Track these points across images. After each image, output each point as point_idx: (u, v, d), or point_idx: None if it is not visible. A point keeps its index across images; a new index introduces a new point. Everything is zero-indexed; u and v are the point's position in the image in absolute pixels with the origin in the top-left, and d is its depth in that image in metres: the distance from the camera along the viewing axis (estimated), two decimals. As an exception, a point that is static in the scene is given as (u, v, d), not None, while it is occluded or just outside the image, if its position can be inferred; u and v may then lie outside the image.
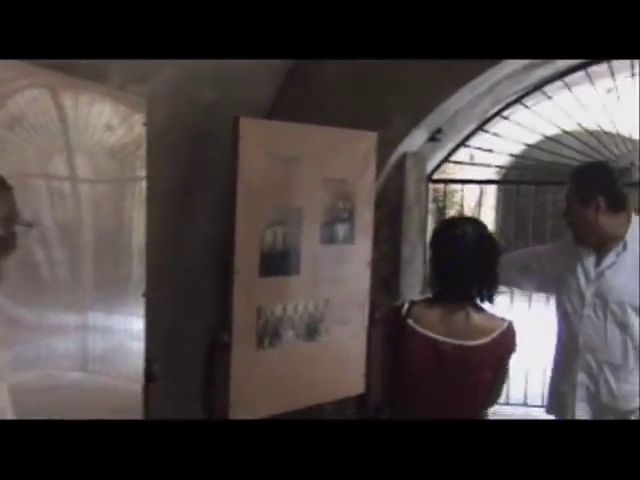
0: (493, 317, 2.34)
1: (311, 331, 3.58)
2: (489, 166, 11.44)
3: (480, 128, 4.97)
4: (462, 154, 13.26)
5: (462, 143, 5.00)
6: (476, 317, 2.26)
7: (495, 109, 4.90)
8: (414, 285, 4.43)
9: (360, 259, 3.78)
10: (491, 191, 13.84)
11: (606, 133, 5.16)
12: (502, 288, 2.98)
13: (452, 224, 2.56)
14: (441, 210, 13.36)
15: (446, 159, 5.01)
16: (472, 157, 12.54)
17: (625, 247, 2.57)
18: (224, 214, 3.30)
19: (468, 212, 14.22)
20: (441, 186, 12.02)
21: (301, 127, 3.48)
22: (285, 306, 3.45)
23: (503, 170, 12.91)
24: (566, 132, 5.39)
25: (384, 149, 3.89)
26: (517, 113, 5.56)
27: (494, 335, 2.24)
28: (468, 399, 2.26)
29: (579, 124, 5.40)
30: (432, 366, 2.23)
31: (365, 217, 3.78)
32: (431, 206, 12.91)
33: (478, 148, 5.42)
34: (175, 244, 3.51)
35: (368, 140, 3.76)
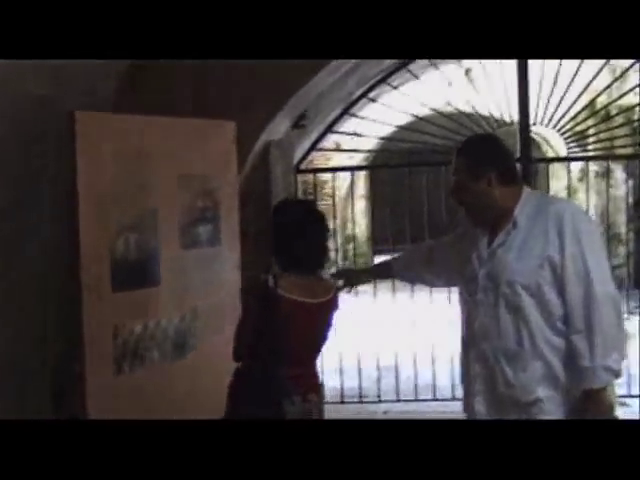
0: (327, 279, 2.82)
1: (179, 347, 3.18)
2: (357, 152, 11.35)
3: (346, 112, 4.70)
4: (331, 141, 13.12)
5: (329, 129, 4.71)
6: (321, 280, 2.72)
7: (360, 91, 4.63)
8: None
9: (229, 261, 3.42)
10: (362, 179, 13.77)
11: (476, 112, 5.02)
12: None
13: (291, 206, 2.93)
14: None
15: (313, 147, 4.70)
16: (338, 145, 12.42)
17: (515, 224, 2.34)
18: (67, 223, 2.85)
19: (339, 203, 14.19)
20: (310, 177, 11.91)
21: (149, 120, 3.07)
22: (146, 323, 3.04)
23: (373, 155, 12.88)
24: (437, 112, 5.21)
25: (245, 139, 3.54)
26: (384, 94, 5.35)
27: (333, 292, 2.72)
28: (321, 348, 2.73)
29: (448, 103, 5.23)
30: (303, 323, 2.60)
31: (230, 215, 3.42)
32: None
33: (344, 133, 5.16)
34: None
35: (226, 130, 3.40)
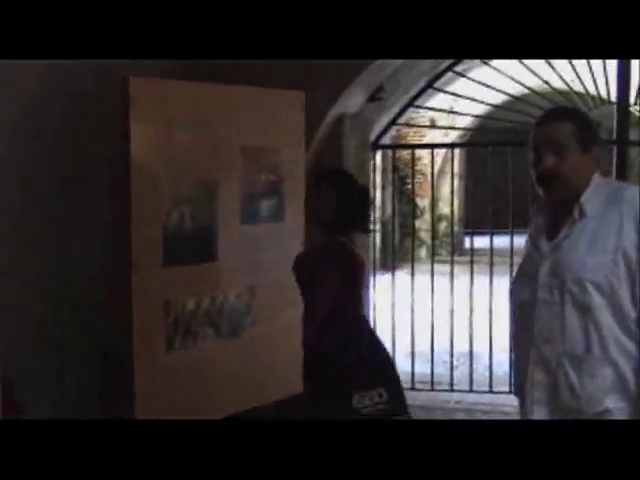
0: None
1: (234, 326, 3.06)
2: (447, 128, 10.98)
3: (430, 86, 4.44)
4: (427, 117, 12.73)
5: (411, 103, 4.47)
6: None
7: (446, 64, 4.36)
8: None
9: (291, 238, 3.27)
10: (457, 157, 13.39)
11: (574, 92, 4.66)
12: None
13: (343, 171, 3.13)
14: (403, 180, 12.94)
15: (393, 121, 4.47)
16: (433, 121, 12.07)
17: (582, 213, 2.08)
18: (116, 193, 2.76)
19: (431, 181, 13.88)
20: (405, 153, 11.62)
21: (209, 87, 2.94)
22: (200, 299, 2.93)
23: (470, 133, 12.49)
24: (531, 90, 4.86)
25: (315, 111, 3.36)
26: (474, 69, 5.06)
27: None
28: None
29: (545, 81, 4.87)
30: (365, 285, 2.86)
31: (295, 190, 3.26)
32: (392, 176, 12.57)
33: (426, 108, 4.91)
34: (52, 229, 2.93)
35: (294, 100, 3.23)
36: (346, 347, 2.68)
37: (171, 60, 3.12)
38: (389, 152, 11.99)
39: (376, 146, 4.48)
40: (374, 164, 4.54)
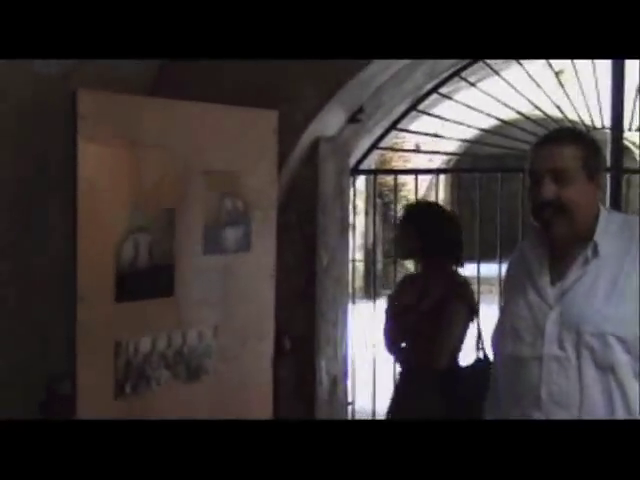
0: None
1: (194, 369, 2.76)
2: (432, 153, 10.73)
3: (414, 108, 4.19)
4: (412, 142, 12.48)
5: (393, 126, 4.21)
6: None
7: (430, 85, 4.11)
8: (335, 295, 3.64)
9: (259, 270, 2.98)
10: (442, 182, 13.18)
11: (566, 117, 4.41)
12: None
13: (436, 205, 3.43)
14: (388, 205, 12.69)
15: (375, 145, 4.21)
16: (418, 145, 11.86)
17: (596, 252, 1.79)
18: (63, 220, 2.47)
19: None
20: (389, 179, 11.40)
21: (171, 104, 2.66)
22: (154, 339, 2.62)
23: (456, 158, 12.27)
24: (522, 114, 4.60)
25: (288, 133, 3.09)
26: (461, 91, 4.81)
27: None
28: None
29: (536, 106, 4.60)
30: None
31: (265, 218, 2.97)
32: (378, 201, 12.34)
33: (409, 131, 4.67)
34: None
35: (266, 120, 2.95)
36: (475, 369, 2.97)
37: (131, 72, 2.88)
38: (371, 177, 11.84)
39: (356, 171, 4.21)
40: (354, 189, 4.28)
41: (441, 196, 13.26)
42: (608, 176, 3.85)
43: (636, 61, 3.75)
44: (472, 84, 4.41)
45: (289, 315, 3.36)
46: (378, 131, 4.27)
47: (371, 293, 4.49)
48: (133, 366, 2.56)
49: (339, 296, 3.73)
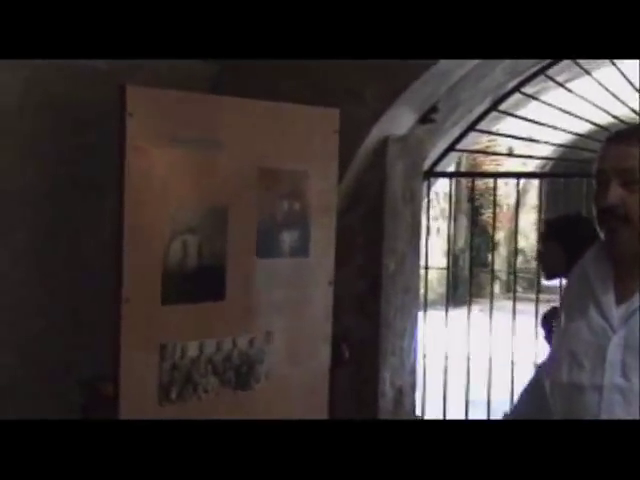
0: None
1: (244, 376, 2.66)
2: (521, 157, 10.35)
3: (494, 108, 3.98)
4: (504, 145, 12.11)
5: (471, 127, 4.01)
6: None
7: (512, 83, 3.89)
8: (403, 303, 3.48)
9: (317, 276, 2.86)
10: (534, 188, 12.73)
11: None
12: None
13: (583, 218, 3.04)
14: (477, 210, 12.34)
15: (452, 147, 4.02)
16: (511, 149, 11.48)
17: None
18: (109, 219, 2.41)
19: (507, 213, 13.23)
20: (479, 182, 11.11)
21: (222, 100, 2.57)
22: (202, 344, 2.54)
23: (551, 163, 11.84)
24: (618, 119, 4.29)
25: (353, 132, 2.96)
26: (548, 91, 4.55)
27: None
28: None
29: (628, 106, 4.29)
30: None
31: (324, 221, 2.85)
32: (465, 206, 12.04)
33: (492, 133, 4.44)
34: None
35: (327, 119, 2.83)
36: None
37: (189, 71, 2.81)
38: (463, 181, 11.53)
39: (431, 173, 4.03)
40: (428, 192, 4.10)
41: (534, 201, 12.83)
42: None
43: None
44: (560, 84, 4.16)
45: (350, 323, 3.23)
46: (457, 132, 4.08)
47: (446, 301, 4.29)
48: (179, 371, 2.48)
49: (407, 305, 3.56)
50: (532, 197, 12.58)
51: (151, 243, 2.40)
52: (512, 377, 3.98)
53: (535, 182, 12.55)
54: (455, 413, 4.39)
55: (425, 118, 3.44)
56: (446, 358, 4.04)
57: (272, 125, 2.67)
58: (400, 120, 3.29)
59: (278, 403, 2.73)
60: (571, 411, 1.63)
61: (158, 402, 2.45)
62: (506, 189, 11.79)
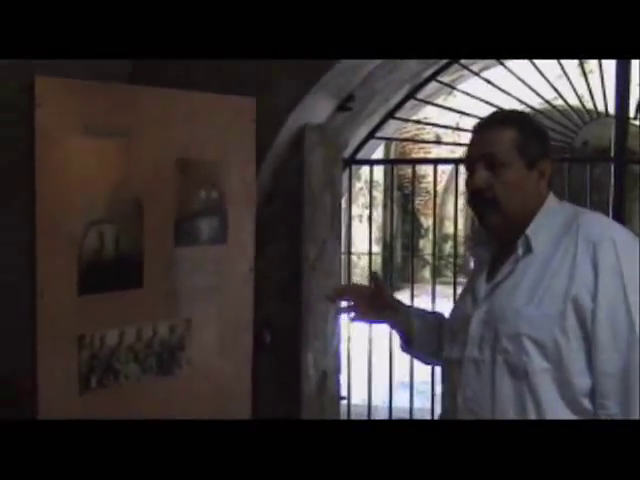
0: None
1: (165, 363, 2.69)
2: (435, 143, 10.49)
3: (411, 96, 4.07)
4: (432, 133, 12.27)
5: (390, 115, 4.10)
6: None
7: (429, 72, 3.99)
8: (325, 288, 3.53)
9: (237, 263, 2.90)
10: (461, 174, 12.98)
11: (569, 105, 4.24)
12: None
13: None
14: (407, 197, 12.52)
15: (371, 135, 4.10)
16: (439, 137, 11.67)
17: (528, 247, 1.62)
18: (23, 210, 2.40)
19: (437, 199, 13.45)
20: (409, 170, 11.29)
21: (136, 90, 2.59)
22: (122, 332, 2.56)
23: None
24: (526, 104, 4.42)
25: (270, 121, 3.00)
26: (463, 80, 4.67)
27: None
28: None
29: (537, 93, 4.43)
30: None
31: (242, 209, 2.89)
32: (396, 193, 12.21)
33: (410, 121, 4.53)
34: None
35: (243, 108, 2.87)
36: None
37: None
38: (390, 168, 11.68)
39: (352, 161, 4.11)
40: (350, 180, 4.18)
41: (462, 188, 13.05)
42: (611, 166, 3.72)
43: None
44: (475, 73, 4.27)
45: (273, 309, 3.29)
46: (377, 120, 4.16)
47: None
48: (99, 359, 2.50)
49: (330, 289, 3.63)
50: (461, 183, 12.85)
51: (65, 234, 2.40)
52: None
53: (462, 168, 12.81)
54: (380, 395, 4.52)
55: (342, 106, 3.51)
56: (370, 341, 4.13)
57: (188, 114, 2.69)
58: (317, 109, 3.35)
59: (200, 389, 2.77)
60: (443, 384, 1.72)
61: (78, 392, 2.46)
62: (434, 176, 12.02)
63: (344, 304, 1.95)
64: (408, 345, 1.95)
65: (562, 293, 1.55)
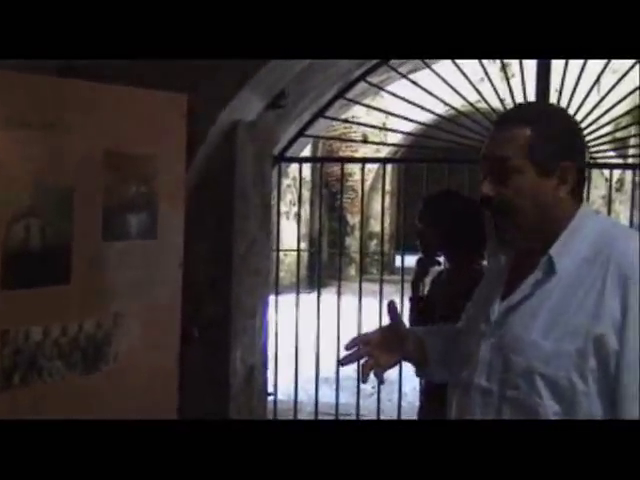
0: None
1: (91, 359, 2.66)
2: (376, 144, 10.65)
3: (341, 96, 4.12)
4: (360, 131, 12.42)
5: (320, 113, 4.14)
6: None
7: (357, 73, 4.05)
8: (253, 284, 3.56)
9: (166, 258, 2.89)
10: (389, 174, 13.14)
11: (493, 111, 4.36)
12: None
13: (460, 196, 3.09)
14: (334, 195, 12.63)
15: (301, 132, 4.14)
16: (365, 136, 11.78)
17: (552, 267, 1.40)
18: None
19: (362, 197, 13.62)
20: (336, 168, 11.40)
21: (68, 83, 2.55)
22: (47, 328, 2.52)
23: (397, 149, 12.27)
24: (452, 107, 4.51)
25: (201, 117, 3.00)
26: (391, 81, 4.75)
27: None
28: None
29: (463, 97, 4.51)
30: None
31: (172, 205, 2.88)
32: (324, 192, 12.30)
33: (337, 119, 4.59)
34: None
35: (174, 104, 2.86)
36: None
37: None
38: (318, 166, 11.75)
39: (282, 159, 4.13)
40: (279, 177, 4.21)
41: (388, 187, 13.26)
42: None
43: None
44: (402, 75, 4.35)
45: (201, 305, 3.29)
46: (307, 118, 4.19)
47: (297, 283, 4.41)
48: (22, 355, 2.46)
49: (259, 286, 3.66)
50: (387, 182, 12.96)
51: (-10, 226, 2.35)
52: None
53: (389, 167, 12.97)
54: (306, 390, 4.57)
55: (274, 104, 3.53)
56: (296, 337, 4.16)
57: (119, 109, 2.67)
58: (249, 106, 3.36)
59: (127, 385, 2.75)
60: (451, 408, 1.56)
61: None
62: (361, 175, 12.14)
63: (362, 361, 1.62)
64: (422, 368, 1.73)
65: (585, 330, 1.35)
